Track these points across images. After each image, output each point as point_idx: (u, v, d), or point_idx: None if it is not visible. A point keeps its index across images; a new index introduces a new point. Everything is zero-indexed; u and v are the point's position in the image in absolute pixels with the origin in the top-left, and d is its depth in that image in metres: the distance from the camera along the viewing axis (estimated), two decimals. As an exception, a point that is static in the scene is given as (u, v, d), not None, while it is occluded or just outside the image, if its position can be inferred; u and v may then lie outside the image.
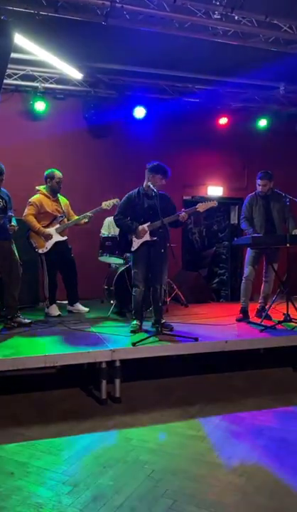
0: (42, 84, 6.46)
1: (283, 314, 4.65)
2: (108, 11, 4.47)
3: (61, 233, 5.23)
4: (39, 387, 4.04)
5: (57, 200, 5.32)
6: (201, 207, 4.45)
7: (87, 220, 5.30)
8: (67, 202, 5.48)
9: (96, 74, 6.44)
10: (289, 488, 2.54)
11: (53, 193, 5.29)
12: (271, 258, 5.10)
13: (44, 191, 5.27)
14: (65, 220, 5.31)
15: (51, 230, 5.17)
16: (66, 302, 5.63)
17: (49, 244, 5.16)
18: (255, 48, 5.18)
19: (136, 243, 4.44)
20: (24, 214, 5.13)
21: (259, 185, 5.07)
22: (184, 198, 7.40)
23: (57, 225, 5.20)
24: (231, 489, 2.54)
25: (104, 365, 3.72)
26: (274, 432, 3.25)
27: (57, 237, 5.18)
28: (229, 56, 5.63)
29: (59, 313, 5.30)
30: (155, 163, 4.49)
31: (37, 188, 5.32)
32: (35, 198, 5.21)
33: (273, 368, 4.63)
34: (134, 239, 4.44)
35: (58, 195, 5.37)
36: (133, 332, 4.39)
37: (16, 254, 4.61)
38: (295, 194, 4.91)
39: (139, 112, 6.85)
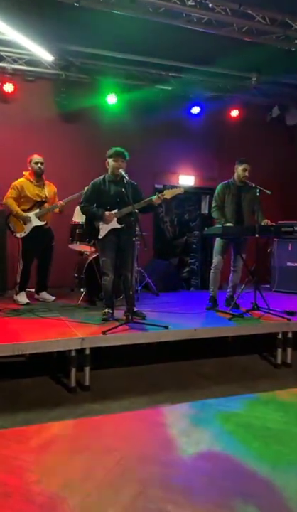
0: (11, 66, 6.26)
1: (251, 303, 4.75)
2: (81, -9, 4.36)
3: (40, 218, 5.18)
4: (8, 376, 3.98)
5: (41, 186, 5.27)
6: (168, 193, 4.41)
7: (58, 210, 5.24)
8: (55, 190, 5.46)
9: (67, 57, 6.29)
10: (255, 472, 2.61)
11: (36, 176, 5.25)
12: (239, 248, 5.16)
13: (27, 175, 5.27)
14: (46, 205, 5.25)
15: (30, 214, 5.15)
16: (33, 290, 5.57)
17: (27, 228, 5.15)
18: (229, 37, 5.18)
19: (103, 231, 4.40)
20: (4, 197, 5.13)
21: (245, 170, 5.02)
22: (155, 186, 7.38)
23: (37, 210, 5.16)
24: (199, 474, 2.59)
25: (73, 354, 3.69)
26: (241, 418, 3.33)
27: (36, 222, 5.17)
28: (203, 45, 5.61)
29: (27, 301, 5.23)
30: (108, 150, 4.43)
31: (23, 172, 5.32)
32: (18, 181, 5.22)
33: (240, 356, 4.72)
34: (101, 226, 4.40)
35: (46, 182, 5.33)
36: (104, 320, 4.38)
37: None
38: (265, 185, 4.97)
39: (111, 98, 6.76)
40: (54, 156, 6.51)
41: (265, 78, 6.60)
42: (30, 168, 5.27)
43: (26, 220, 5.13)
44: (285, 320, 4.51)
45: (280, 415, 3.39)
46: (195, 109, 7.34)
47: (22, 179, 5.23)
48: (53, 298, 5.48)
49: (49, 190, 5.34)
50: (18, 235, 5.17)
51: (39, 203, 5.21)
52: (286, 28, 4.98)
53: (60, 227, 5.64)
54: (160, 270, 6.83)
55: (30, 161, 5.25)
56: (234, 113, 7.55)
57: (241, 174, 5.04)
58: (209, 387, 3.89)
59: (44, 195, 5.25)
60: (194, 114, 7.38)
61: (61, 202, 5.24)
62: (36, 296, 5.52)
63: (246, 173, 5.02)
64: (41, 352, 3.66)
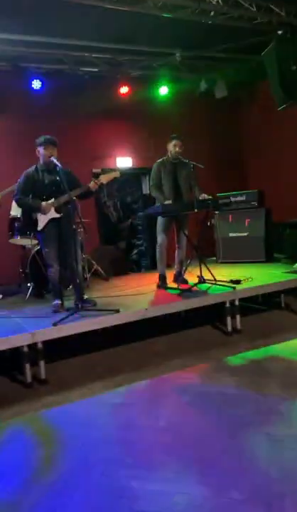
0: None
1: (198, 277, 4.86)
2: None
3: None
4: None
5: None
6: (104, 178, 4.37)
7: None
8: None
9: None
10: (212, 438, 2.73)
11: None
12: (181, 224, 5.24)
13: None
14: None
15: None
16: None
17: None
18: (149, 14, 5.13)
19: (42, 222, 4.32)
20: None
21: (175, 146, 5.07)
22: (93, 170, 7.28)
23: None
24: (160, 448, 2.67)
25: (25, 349, 3.65)
26: (197, 388, 3.45)
27: None
28: (124, 23, 5.53)
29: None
30: (37, 138, 4.34)
31: None
32: None
33: (193, 329, 4.84)
34: (39, 217, 4.32)
35: None
36: (55, 312, 4.34)
37: None
38: (200, 159, 5.04)
39: (36, 84, 6.55)
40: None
41: (188, 53, 6.62)
42: None
43: None
44: (230, 289, 4.66)
45: (233, 380, 3.54)
46: (124, 89, 7.26)
47: None
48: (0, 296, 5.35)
49: None
50: None
51: None
52: (200, 1, 4.98)
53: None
54: (107, 255, 6.83)
55: None
56: (163, 90, 7.54)
57: (173, 150, 5.09)
58: (165, 363, 3.99)
59: None
60: (123, 95, 7.30)
61: None
62: None
63: (177, 149, 5.07)
64: (-9, 352, 3.59)
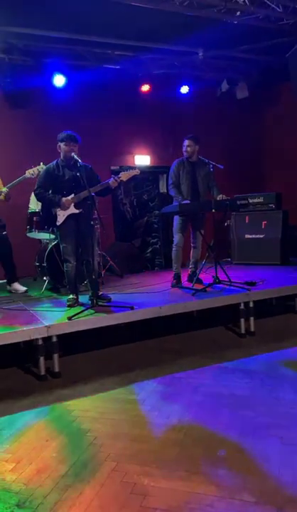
0: None
1: (213, 277, 4.85)
2: None
3: None
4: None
5: None
6: (124, 175, 4.39)
7: (3, 197, 5.03)
8: None
9: (9, 39, 6.05)
10: (224, 438, 2.72)
11: None
12: (197, 224, 5.24)
13: None
14: None
15: None
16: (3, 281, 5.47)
17: None
18: (172, 12, 5.12)
19: (61, 217, 4.35)
20: None
21: (184, 145, 5.10)
22: (112, 168, 7.33)
23: None
24: (171, 445, 2.68)
25: (40, 342, 3.69)
26: (209, 388, 3.45)
27: None
28: (147, 21, 5.52)
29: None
30: (59, 134, 4.37)
31: None
32: None
33: (206, 329, 4.85)
34: (59, 212, 4.35)
35: None
36: (70, 306, 4.37)
37: None
38: (219, 160, 5.03)
39: (58, 80, 6.58)
40: (1, 142, 6.35)
41: (211, 53, 6.59)
42: None
43: None
44: (245, 290, 4.64)
45: (246, 382, 3.53)
46: (145, 88, 7.27)
47: None
48: (24, 289, 5.34)
49: None
50: None
51: None
52: (227, 1, 4.96)
53: (14, 216, 5.53)
54: (122, 252, 6.85)
55: None
56: (184, 89, 7.53)
57: (184, 151, 5.11)
58: (177, 362, 3.99)
59: None
60: (144, 93, 7.30)
61: (5, 188, 5.03)
62: (8, 287, 5.42)
63: (188, 149, 5.08)
64: (6, 343, 3.63)
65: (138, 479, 2.35)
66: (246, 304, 4.60)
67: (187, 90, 7.54)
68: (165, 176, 7.95)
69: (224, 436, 2.75)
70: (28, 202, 5.67)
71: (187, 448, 2.63)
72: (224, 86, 7.48)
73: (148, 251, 8.65)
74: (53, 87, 6.61)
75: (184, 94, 7.57)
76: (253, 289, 4.70)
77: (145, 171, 7.70)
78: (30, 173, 4.97)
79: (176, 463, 2.49)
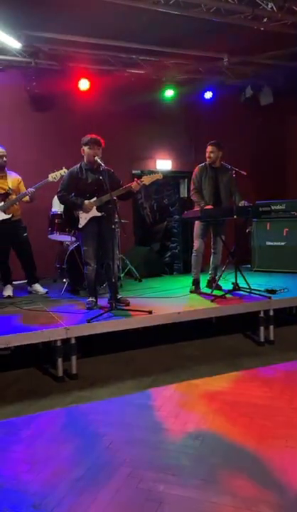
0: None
1: (233, 284, 4.81)
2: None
3: (5, 211, 5.06)
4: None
5: (3, 178, 5.13)
6: (146, 179, 4.42)
7: (29, 198, 5.10)
8: (19, 179, 5.26)
9: (36, 44, 6.15)
10: (241, 448, 2.69)
11: None
12: (218, 230, 5.21)
13: None
14: (12, 197, 5.14)
15: None
16: (24, 282, 5.53)
17: None
18: (199, 18, 5.13)
19: (84, 220, 4.38)
20: None
21: (207, 151, 5.10)
22: (133, 172, 7.35)
23: (2, 203, 5.05)
24: (188, 452, 2.66)
25: (59, 344, 3.72)
26: (226, 396, 3.41)
27: (1, 215, 5.03)
28: (172, 27, 5.54)
29: (9, 294, 5.20)
30: (83, 138, 4.40)
31: None
32: None
33: (224, 336, 4.81)
34: (81, 215, 4.38)
35: (7, 172, 5.18)
36: (89, 309, 4.39)
37: None
38: (241, 166, 4.99)
39: (83, 84, 6.66)
40: (26, 144, 6.44)
41: (236, 59, 6.57)
42: None
43: None
44: (266, 298, 4.59)
45: (264, 391, 3.49)
46: (169, 93, 7.29)
47: None
48: (45, 291, 5.38)
49: (12, 181, 5.18)
50: None
51: (3, 196, 5.08)
52: (254, 7, 4.94)
53: (36, 218, 5.59)
54: (141, 256, 6.85)
55: None
56: (208, 95, 7.52)
57: (207, 157, 5.10)
58: (195, 368, 3.97)
59: (7, 187, 5.13)
60: (168, 98, 7.32)
61: (31, 189, 5.08)
62: (29, 288, 5.48)
63: (211, 155, 5.07)
64: (26, 344, 3.66)
65: (154, 486, 2.34)
66: (266, 312, 4.54)
67: (210, 96, 7.53)
68: (186, 181, 7.94)
69: (242, 445, 2.71)
70: (49, 204, 5.73)
71: (203, 456, 2.61)
72: (248, 92, 7.44)
73: (167, 255, 8.60)
74: (78, 91, 6.68)
75: (207, 100, 7.56)
76: (274, 297, 4.64)
77: (166, 176, 7.69)
78: (52, 177, 5.02)
79: (192, 471, 2.47)
